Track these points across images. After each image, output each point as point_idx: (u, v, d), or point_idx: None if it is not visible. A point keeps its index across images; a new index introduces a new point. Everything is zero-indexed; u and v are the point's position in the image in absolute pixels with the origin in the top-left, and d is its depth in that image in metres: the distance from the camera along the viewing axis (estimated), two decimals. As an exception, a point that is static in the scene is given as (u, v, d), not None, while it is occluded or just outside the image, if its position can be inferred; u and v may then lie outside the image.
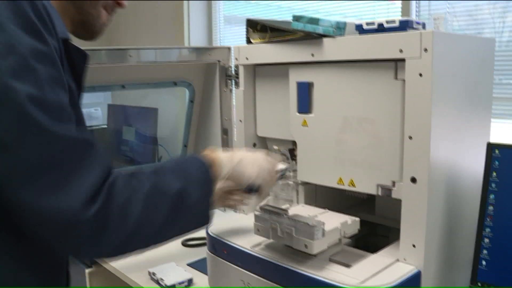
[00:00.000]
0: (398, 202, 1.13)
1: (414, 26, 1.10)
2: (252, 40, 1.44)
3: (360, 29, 1.18)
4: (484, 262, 1.16)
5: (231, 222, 1.37)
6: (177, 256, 1.71)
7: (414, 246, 1.10)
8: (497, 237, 1.15)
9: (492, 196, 1.15)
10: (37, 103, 0.73)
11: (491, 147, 1.15)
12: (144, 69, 2.03)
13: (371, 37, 1.14)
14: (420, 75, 1.05)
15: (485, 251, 1.16)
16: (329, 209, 1.30)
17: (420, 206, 1.09)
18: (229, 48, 2.12)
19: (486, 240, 1.16)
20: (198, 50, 2.11)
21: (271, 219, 1.16)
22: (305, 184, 1.40)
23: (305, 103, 1.31)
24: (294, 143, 1.38)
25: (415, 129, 1.08)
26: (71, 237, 0.77)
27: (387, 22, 1.12)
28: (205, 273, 1.41)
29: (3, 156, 0.73)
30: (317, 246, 1.08)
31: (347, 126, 1.23)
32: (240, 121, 1.52)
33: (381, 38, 1.12)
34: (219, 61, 2.12)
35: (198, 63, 2.12)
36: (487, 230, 1.16)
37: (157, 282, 1.49)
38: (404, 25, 1.10)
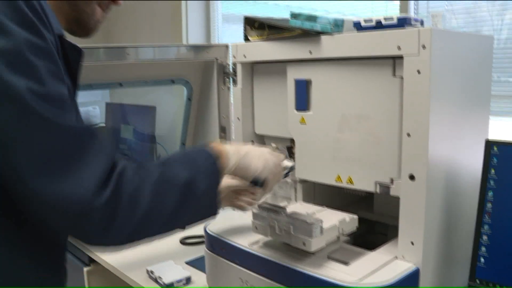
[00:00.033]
0: (396, 199, 1.13)
1: (412, 23, 1.10)
2: (249, 38, 1.44)
3: (358, 26, 1.18)
4: (482, 260, 1.16)
5: (229, 220, 1.37)
6: (175, 254, 1.71)
7: (412, 243, 1.10)
8: (496, 234, 1.15)
9: (490, 194, 1.15)
10: (38, 96, 0.74)
11: (489, 144, 1.15)
12: (141, 67, 2.03)
13: (369, 34, 1.13)
14: (418, 72, 1.05)
15: (483, 248, 1.16)
16: (327, 207, 1.29)
17: (418, 204, 1.08)
18: (226, 46, 2.12)
19: (485, 237, 1.16)
20: (195, 48, 2.11)
21: (269, 217, 1.16)
22: (303, 182, 1.40)
23: (303, 101, 1.31)
24: (292, 141, 1.38)
25: (413, 126, 1.07)
26: (83, 224, 0.78)
27: (385, 19, 1.12)
28: (204, 271, 1.41)
29: (10, 150, 0.74)
30: (315, 243, 1.08)
31: (345, 124, 1.22)
32: (238, 119, 1.52)
33: (379, 35, 1.11)
34: (216, 58, 2.12)
35: (195, 61, 2.12)
36: (486, 227, 1.16)
37: (155, 280, 1.48)
38: (402, 22, 1.10)
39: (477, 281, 1.17)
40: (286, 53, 1.32)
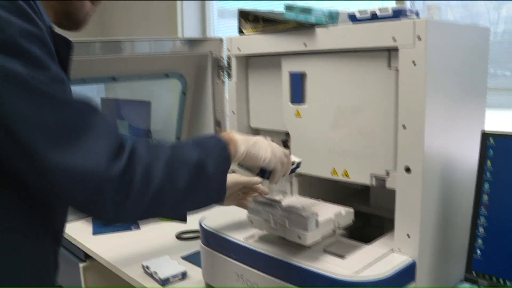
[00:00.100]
0: (392, 192, 1.13)
1: (408, 14, 1.09)
2: (244, 31, 1.42)
3: (353, 18, 1.17)
4: (478, 252, 1.16)
5: (225, 215, 1.36)
6: (171, 249, 1.70)
7: (408, 236, 1.10)
8: (492, 226, 1.14)
9: (486, 185, 1.15)
10: (39, 76, 0.75)
11: (485, 136, 1.15)
12: (135, 61, 2.01)
13: (364, 25, 1.12)
14: (414, 63, 1.04)
15: (479, 241, 1.16)
16: (323, 200, 1.29)
17: (414, 196, 1.08)
18: (221, 39, 2.10)
19: (481, 229, 1.16)
20: (190, 42, 2.09)
21: (264, 211, 1.15)
22: (299, 175, 1.39)
23: (298, 94, 1.30)
24: (287, 134, 1.37)
25: (409, 118, 1.07)
26: (98, 197, 0.78)
27: (380, 10, 1.11)
28: (200, 266, 1.40)
29: (20, 129, 0.74)
30: (311, 237, 1.08)
31: (341, 116, 1.22)
32: (233, 112, 1.51)
33: (374, 26, 1.10)
34: (211, 52, 2.10)
35: (190, 54, 2.10)
36: (482, 219, 1.15)
37: (151, 275, 1.48)
38: (398, 14, 1.09)
39: (474, 273, 1.17)
40: (280, 46, 1.31)
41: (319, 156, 1.28)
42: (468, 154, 1.23)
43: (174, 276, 1.44)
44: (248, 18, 1.41)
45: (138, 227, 1.96)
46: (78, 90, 0.86)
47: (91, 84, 2.07)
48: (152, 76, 2.16)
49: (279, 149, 1.12)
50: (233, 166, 1.08)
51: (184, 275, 1.47)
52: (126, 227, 1.95)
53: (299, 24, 1.24)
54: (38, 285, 0.90)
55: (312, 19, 1.21)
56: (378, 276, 1.01)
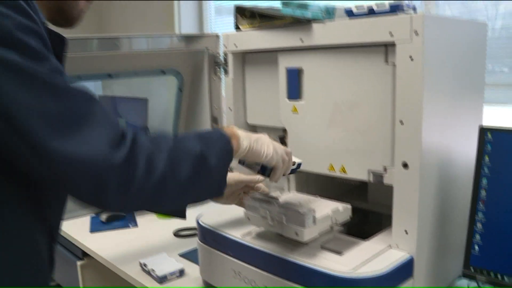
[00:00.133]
0: (390, 188, 1.12)
1: (405, 9, 1.08)
2: (240, 27, 1.42)
3: (349, 13, 1.16)
4: (476, 247, 1.15)
5: (222, 212, 1.35)
6: (168, 246, 1.70)
7: (406, 232, 1.09)
8: (490, 222, 1.14)
9: (484, 181, 1.14)
10: (37, 66, 0.75)
11: (483, 131, 1.14)
12: (131, 58, 2.00)
13: (361, 21, 1.12)
14: (411, 58, 1.03)
15: (477, 236, 1.15)
16: (320, 196, 1.28)
17: (412, 192, 1.07)
18: (217, 36, 2.09)
19: (479, 225, 1.15)
20: (186, 38, 2.08)
21: (261, 208, 1.15)
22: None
23: (294, 90, 1.29)
24: (284, 130, 1.36)
25: (406, 113, 1.06)
26: (101, 184, 0.78)
27: (377, 5, 1.10)
28: (197, 263, 1.39)
29: (21, 119, 0.74)
30: (308, 233, 1.07)
31: (338, 112, 1.21)
32: (230, 109, 1.50)
33: (371, 21, 1.10)
34: (207, 48, 2.09)
35: (186, 51, 2.09)
36: (480, 215, 1.15)
37: (148, 273, 1.47)
38: (395, 9, 1.08)
39: (472, 269, 1.16)
40: (277, 42, 1.30)
41: (316, 152, 1.27)
42: (466, 150, 1.22)
43: (172, 274, 1.44)
44: (244, 14, 1.40)
45: (135, 225, 1.95)
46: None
47: (87, 81, 2.06)
48: (148, 73, 2.15)
49: (280, 147, 1.12)
50: (234, 163, 1.08)
51: (181, 273, 1.46)
52: (124, 224, 1.95)
53: (295, 20, 1.23)
54: (32, 283, 0.89)
55: (308, 14, 1.20)
56: (376, 273, 1.01)
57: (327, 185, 1.43)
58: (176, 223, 1.82)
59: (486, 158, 1.14)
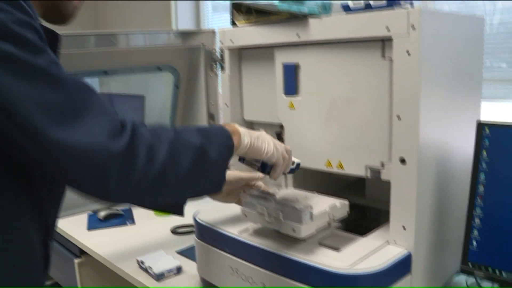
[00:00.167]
0: (388, 184, 1.11)
1: (402, 4, 1.08)
2: (237, 23, 1.41)
3: (346, 8, 1.15)
4: (474, 243, 1.15)
5: (219, 208, 1.35)
6: (166, 244, 1.69)
7: (404, 228, 1.09)
8: (488, 217, 1.13)
9: (482, 176, 1.14)
10: (35, 57, 0.75)
11: (481, 126, 1.14)
12: (127, 55, 1.99)
13: (358, 16, 1.11)
14: (408, 53, 1.03)
15: (475, 232, 1.15)
16: (318, 193, 1.28)
17: (409, 187, 1.07)
18: (213, 32, 2.08)
19: (477, 220, 1.15)
20: (182, 34, 2.07)
21: (258, 204, 1.14)
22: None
23: (291, 85, 1.28)
24: (281, 126, 1.36)
25: (404, 108, 1.05)
26: (102, 174, 0.77)
27: (374, 0, 1.10)
28: (195, 261, 1.39)
29: (22, 109, 0.73)
30: (305, 230, 1.07)
31: (335, 108, 1.20)
32: (227, 105, 1.50)
33: (367, 16, 1.09)
34: (203, 44, 2.08)
35: (182, 47, 2.08)
36: (478, 210, 1.15)
37: (146, 270, 1.47)
38: (392, 3, 1.07)
39: (470, 265, 1.16)
40: (273, 37, 1.29)
41: (313, 148, 1.27)
42: (463, 145, 1.22)
43: (169, 271, 1.43)
44: (241, 10, 1.39)
45: (133, 222, 1.95)
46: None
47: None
48: (145, 69, 2.14)
49: (281, 144, 1.12)
50: (234, 160, 1.08)
51: (179, 270, 1.46)
52: (121, 222, 1.94)
53: (292, 15, 1.23)
54: (26, 282, 0.88)
55: (305, 9, 1.20)
56: (374, 269, 1.00)
57: (324, 181, 1.43)
58: (174, 220, 1.82)
59: (484, 153, 1.13)
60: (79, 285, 1.84)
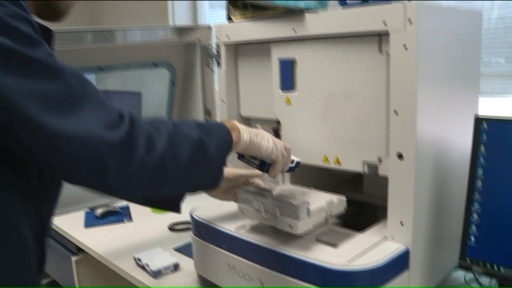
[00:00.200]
0: (386, 180, 1.11)
1: (399, -2, 1.07)
2: (233, 18, 1.40)
3: (342, 2, 1.14)
4: (472, 238, 1.14)
5: (216, 205, 1.34)
6: (163, 241, 1.69)
7: (401, 223, 1.08)
8: (486, 212, 1.13)
9: (480, 171, 1.13)
10: (30, 49, 0.75)
11: (479, 120, 1.13)
12: (122, 51, 1.98)
13: (354, 10, 1.10)
14: (405, 47, 1.02)
15: (473, 227, 1.14)
16: (315, 189, 1.27)
17: (407, 183, 1.06)
18: (209, 27, 2.07)
19: (475, 215, 1.14)
20: (178, 30, 2.06)
21: (255, 200, 1.14)
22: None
23: (288, 80, 1.27)
24: (278, 122, 1.35)
25: (401, 103, 1.05)
26: (100, 163, 0.77)
27: (371, -6, 1.09)
28: (192, 258, 1.38)
29: (19, 100, 0.73)
30: (302, 226, 1.06)
31: (332, 103, 1.20)
32: (223, 101, 1.49)
33: (364, 10, 1.08)
34: (199, 39, 2.07)
35: (178, 43, 2.07)
36: (476, 205, 1.14)
37: (143, 267, 1.46)
38: (389, -3, 1.06)
39: (468, 260, 1.15)
40: (269, 32, 1.28)
41: (310, 143, 1.26)
42: (461, 140, 1.21)
43: (166, 268, 1.43)
44: (237, 5, 1.38)
45: (130, 219, 1.94)
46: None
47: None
48: (140, 65, 2.13)
49: (280, 142, 1.13)
50: (231, 157, 1.07)
51: (176, 267, 1.45)
52: (119, 219, 1.93)
53: (288, 10, 1.22)
54: (17, 281, 0.87)
55: (301, 4, 1.19)
56: (371, 265, 1.00)
57: (321, 177, 1.42)
58: (172, 217, 1.81)
59: (482, 148, 1.12)
60: (76, 282, 1.83)
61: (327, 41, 1.18)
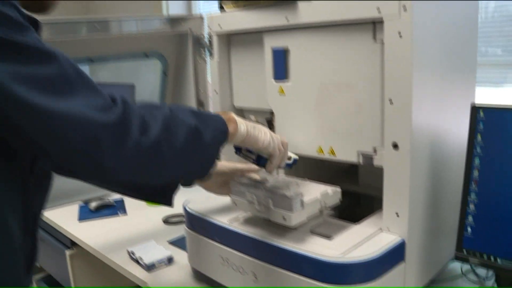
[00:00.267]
0: (381, 170, 1.09)
1: (393, -16, 1.04)
2: (225, 7, 1.37)
3: (336, -11, 1.12)
4: (469, 229, 1.13)
5: (209, 198, 1.32)
6: (158, 234, 1.67)
7: (397, 214, 1.07)
8: (483, 203, 1.11)
9: (477, 161, 1.11)
10: (21, 35, 0.74)
11: (475, 109, 1.11)
12: (112, 41, 1.95)
13: (348, -3, 1.08)
14: (400, 35, 1.00)
15: (470, 218, 1.12)
16: (310, 180, 1.25)
17: (402, 173, 1.04)
18: (201, 17, 2.04)
19: (472, 206, 1.12)
20: (170, 20, 2.03)
21: (248, 192, 1.12)
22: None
23: (281, 70, 1.25)
24: (271, 113, 1.33)
25: (396, 92, 1.03)
26: (95, 144, 0.77)
27: (365, -19, 1.06)
28: (186, 251, 1.36)
29: (13, 86, 0.72)
30: (296, 218, 1.04)
31: (325, 92, 1.17)
32: (216, 92, 1.46)
33: (358, -3, 1.06)
34: (190, 29, 2.04)
35: (170, 33, 2.04)
36: (472, 195, 1.12)
37: (137, 261, 1.44)
38: (383, -16, 1.04)
39: (464, 252, 1.14)
40: (262, 21, 1.26)
41: (304, 134, 1.24)
42: (458, 129, 1.19)
43: (160, 261, 1.41)
44: (229, -6, 1.35)
45: (125, 213, 1.92)
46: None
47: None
48: (131, 56, 2.10)
49: (277, 136, 1.12)
50: (229, 150, 1.06)
51: (170, 260, 1.44)
52: (113, 212, 1.92)
53: (281, -2, 1.19)
54: (4, 276, 0.86)
55: (294, -8, 1.16)
56: (366, 257, 0.98)
57: (316, 168, 1.40)
58: (166, 210, 1.78)
59: (479, 137, 1.10)
60: (71, 276, 1.82)
61: (321, 29, 1.16)
